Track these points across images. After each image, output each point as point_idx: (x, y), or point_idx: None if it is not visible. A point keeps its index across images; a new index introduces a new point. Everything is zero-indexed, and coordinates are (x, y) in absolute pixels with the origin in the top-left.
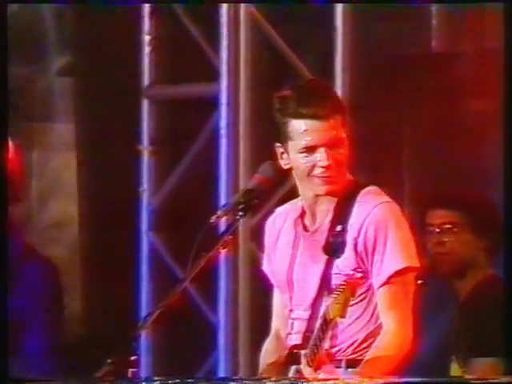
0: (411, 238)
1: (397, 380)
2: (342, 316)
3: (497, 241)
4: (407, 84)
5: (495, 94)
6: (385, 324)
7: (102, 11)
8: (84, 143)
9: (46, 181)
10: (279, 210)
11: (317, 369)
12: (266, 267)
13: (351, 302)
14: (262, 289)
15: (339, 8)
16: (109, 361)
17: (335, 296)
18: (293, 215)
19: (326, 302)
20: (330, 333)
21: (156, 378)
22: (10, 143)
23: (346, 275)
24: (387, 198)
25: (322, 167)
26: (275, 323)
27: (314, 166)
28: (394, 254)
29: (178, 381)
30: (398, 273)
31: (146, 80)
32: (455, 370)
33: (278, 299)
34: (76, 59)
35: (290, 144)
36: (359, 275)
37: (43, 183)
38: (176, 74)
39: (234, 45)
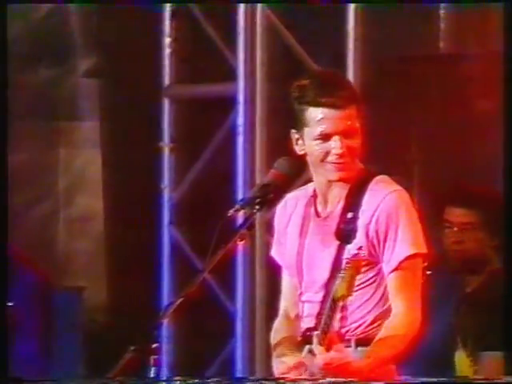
0: (419, 226)
1: (399, 380)
2: (349, 294)
3: (506, 238)
4: (416, 83)
5: (501, 93)
6: (394, 307)
7: (125, 16)
8: (108, 141)
9: (72, 177)
10: (290, 195)
11: (328, 348)
12: (274, 252)
13: (361, 284)
14: (277, 279)
15: (351, 9)
16: (132, 348)
17: (341, 275)
18: (304, 200)
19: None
20: (338, 312)
21: (176, 378)
22: None
23: (351, 255)
24: (398, 187)
25: (336, 154)
26: (283, 305)
27: (327, 153)
28: (405, 241)
29: (197, 381)
30: (408, 258)
31: (166, 80)
32: (461, 357)
33: (286, 282)
34: (101, 61)
35: (306, 131)
36: (363, 254)
37: (69, 179)
38: (195, 74)
39: (250, 46)
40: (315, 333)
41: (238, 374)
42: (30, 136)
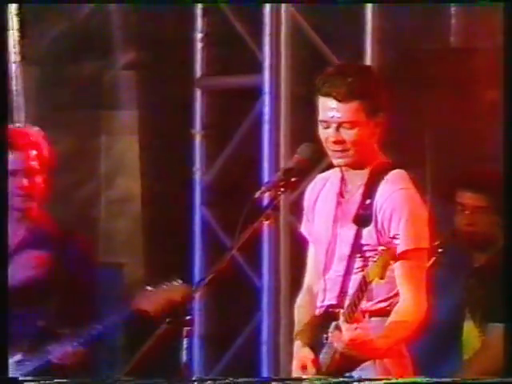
0: (424, 223)
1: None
2: (382, 277)
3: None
4: (428, 75)
5: (506, 85)
6: (401, 294)
7: (160, 13)
8: (145, 128)
9: (113, 161)
10: (320, 175)
11: (354, 325)
12: (303, 228)
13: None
14: (300, 255)
15: (369, 8)
16: (167, 320)
17: (375, 260)
18: (331, 181)
19: (358, 265)
20: (367, 293)
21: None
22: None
23: (386, 242)
24: (408, 185)
25: (332, 142)
26: (308, 279)
27: (326, 140)
28: (406, 236)
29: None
30: (410, 252)
31: (198, 72)
32: (470, 328)
33: (311, 257)
34: (138, 55)
35: (319, 118)
36: (398, 242)
37: (110, 163)
38: (224, 67)
39: (275, 41)
40: (342, 311)
41: (263, 346)
42: (76, 124)
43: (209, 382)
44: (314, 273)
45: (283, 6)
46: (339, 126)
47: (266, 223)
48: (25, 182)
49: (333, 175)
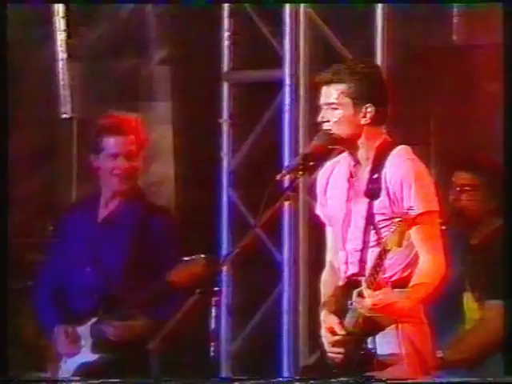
0: (432, 188)
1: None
2: (399, 245)
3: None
4: (434, 68)
5: (506, 80)
6: (421, 256)
7: (191, 13)
8: (178, 117)
9: (149, 148)
10: (328, 162)
11: (376, 290)
12: (318, 211)
13: None
14: (316, 232)
15: (379, 9)
16: (198, 291)
17: (393, 229)
18: (342, 163)
19: (374, 237)
20: (387, 260)
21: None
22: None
23: (402, 212)
24: (413, 156)
25: (321, 121)
26: (329, 256)
27: (322, 120)
28: (417, 200)
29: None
30: (422, 215)
31: (225, 67)
32: (469, 300)
33: (330, 237)
34: (172, 52)
35: None
36: (413, 212)
37: (148, 149)
38: (249, 62)
39: (294, 39)
40: (363, 278)
41: (284, 315)
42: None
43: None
44: (334, 250)
45: (301, 7)
46: (328, 106)
47: (286, 203)
48: (125, 164)
49: (341, 159)
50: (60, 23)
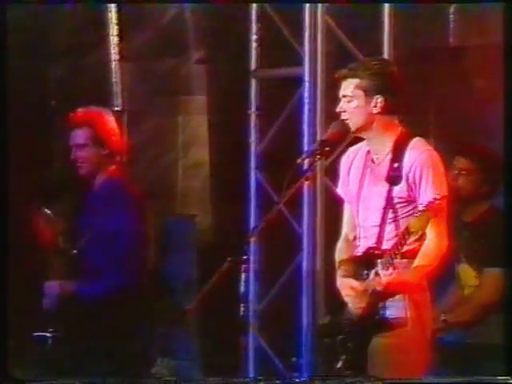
0: (444, 177)
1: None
2: (424, 229)
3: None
4: (436, 65)
5: (498, 75)
6: (428, 234)
7: (223, 18)
8: (213, 109)
9: (188, 135)
10: (352, 148)
11: (392, 270)
12: (340, 190)
13: (403, 214)
14: (332, 207)
15: (386, 9)
16: (229, 259)
17: (418, 214)
18: (363, 151)
19: (391, 216)
20: (407, 242)
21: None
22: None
23: (429, 200)
24: (429, 147)
25: (339, 111)
26: (345, 229)
27: (340, 110)
28: (433, 187)
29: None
30: (435, 199)
31: (253, 65)
32: (466, 270)
33: (347, 212)
34: (207, 52)
35: None
36: (438, 202)
37: (186, 137)
38: (273, 61)
39: (313, 40)
40: (379, 260)
41: (304, 281)
42: (160, 107)
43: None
44: (350, 224)
45: (319, 11)
46: (344, 98)
47: (305, 183)
48: (80, 153)
49: (362, 147)
50: (113, 29)
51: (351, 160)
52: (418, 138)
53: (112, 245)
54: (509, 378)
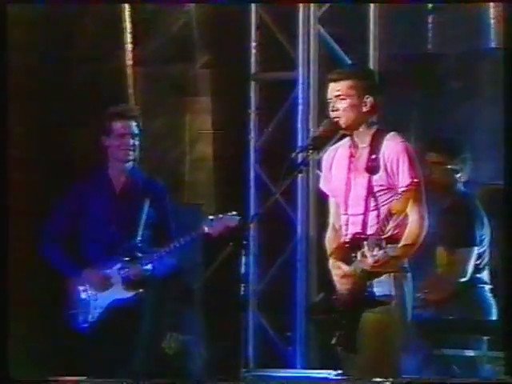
0: (418, 164)
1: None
2: (403, 210)
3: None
4: (414, 72)
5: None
6: (410, 216)
7: (224, 27)
8: (216, 109)
9: (194, 132)
10: (331, 147)
11: (377, 251)
12: (322, 185)
13: (384, 201)
14: (323, 198)
15: (371, 18)
16: (231, 244)
17: (398, 197)
18: (344, 146)
19: (373, 203)
20: (390, 223)
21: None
22: None
23: (406, 184)
24: (403, 139)
25: (332, 110)
26: (331, 220)
27: (332, 109)
28: (410, 172)
29: None
30: (412, 184)
31: (253, 69)
32: (441, 252)
33: (332, 204)
34: (211, 58)
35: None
36: (414, 185)
37: (192, 134)
38: (271, 65)
39: (306, 47)
40: (365, 242)
41: (298, 263)
42: (170, 106)
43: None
44: (335, 215)
45: (312, 20)
46: (335, 98)
47: (299, 175)
48: (129, 141)
49: (343, 143)
50: (127, 38)
51: (332, 157)
52: (393, 132)
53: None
54: (509, 377)
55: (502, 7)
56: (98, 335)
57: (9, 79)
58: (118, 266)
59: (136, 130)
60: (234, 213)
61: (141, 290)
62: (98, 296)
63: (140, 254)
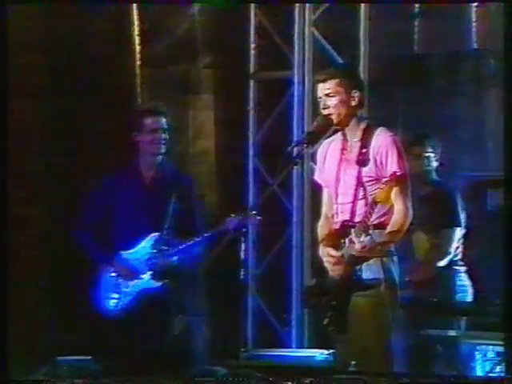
0: (405, 156)
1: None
2: (387, 199)
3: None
4: (400, 72)
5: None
6: (396, 205)
7: (227, 30)
8: (217, 105)
9: (196, 127)
10: (325, 140)
11: (364, 237)
12: (317, 176)
13: (372, 191)
14: (317, 189)
15: (362, 22)
16: (232, 231)
17: (382, 186)
18: (337, 140)
19: (362, 193)
20: (375, 211)
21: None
22: None
23: (390, 174)
24: (391, 133)
25: (322, 108)
26: (324, 209)
27: (323, 107)
28: (396, 164)
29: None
30: (399, 175)
31: (252, 69)
32: (420, 236)
33: (325, 194)
34: (213, 58)
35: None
36: (398, 175)
37: (194, 129)
38: (269, 65)
39: (301, 48)
40: (353, 229)
41: (294, 249)
42: (175, 104)
43: None
44: (328, 204)
45: (307, 23)
46: (325, 96)
47: (295, 168)
48: (161, 136)
49: (336, 137)
50: (135, 39)
51: (325, 151)
52: (382, 128)
53: None
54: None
55: (502, 7)
56: (127, 321)
57: (18, 78)
58: (147, 256)
59: (165, 125)
60: (254, 212)
61: (166, 281)
62: (128, 284)
63: (166, 246)
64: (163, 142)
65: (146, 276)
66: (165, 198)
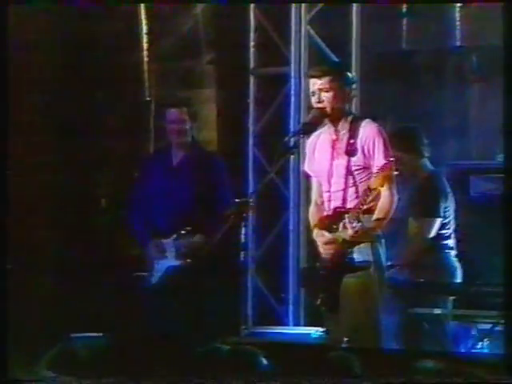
0: (390, 147)
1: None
2: (383, 186)
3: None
4: (388, 68)
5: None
6: (382, 191)
7: (228, 28)
8: (219, 99)
9: (201, 120)
10: (315, 133)
11: (356, 223)
12: (306, 167)
13: (361, 179)
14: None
15: (354, 21)
16: (232, 216)
17: (376, 174)
18: (326, 132)
19: (351, 181)
20: (370, 198)
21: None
22: None
23: (383, 163)
24: (377, 124)
25: (316, 101)
26: (313, 197)
27: (318, 101)
28: (385, 153)
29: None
30: (386, 164)
31: (251, 65)
32: (412, 222)
33: (315, 183)
34: (215, 54)
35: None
36: (390, 164)
37: (199, 122)
38: (267, 61)
39: (298, 45)
40: (347, 215)
41: (291, 233)
42: (180, 99)
43: None
44: (318, 192)
45: (303, 22)
46: (319, 91)
47: (291, 156)
48: (178, 126)
49: (324, 130)
50: (143, 37)
51: (314, 143)
52: (367, 119)
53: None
54: (509, 377)
55: (503, 7)
56: (157, 295)
57: (22, 75)
58: (174, 236)
59: (190, 115)
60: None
61: (189, 260)
62: (159, 262)
63: (190, 227)
64: (188, 129)
65: (172, 255)
66: (192, 178)
